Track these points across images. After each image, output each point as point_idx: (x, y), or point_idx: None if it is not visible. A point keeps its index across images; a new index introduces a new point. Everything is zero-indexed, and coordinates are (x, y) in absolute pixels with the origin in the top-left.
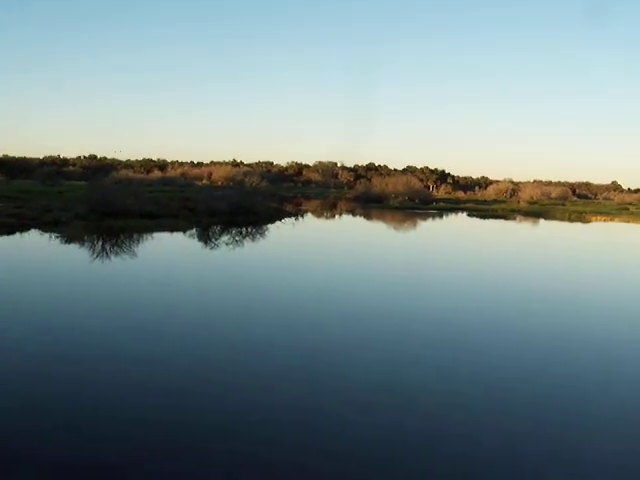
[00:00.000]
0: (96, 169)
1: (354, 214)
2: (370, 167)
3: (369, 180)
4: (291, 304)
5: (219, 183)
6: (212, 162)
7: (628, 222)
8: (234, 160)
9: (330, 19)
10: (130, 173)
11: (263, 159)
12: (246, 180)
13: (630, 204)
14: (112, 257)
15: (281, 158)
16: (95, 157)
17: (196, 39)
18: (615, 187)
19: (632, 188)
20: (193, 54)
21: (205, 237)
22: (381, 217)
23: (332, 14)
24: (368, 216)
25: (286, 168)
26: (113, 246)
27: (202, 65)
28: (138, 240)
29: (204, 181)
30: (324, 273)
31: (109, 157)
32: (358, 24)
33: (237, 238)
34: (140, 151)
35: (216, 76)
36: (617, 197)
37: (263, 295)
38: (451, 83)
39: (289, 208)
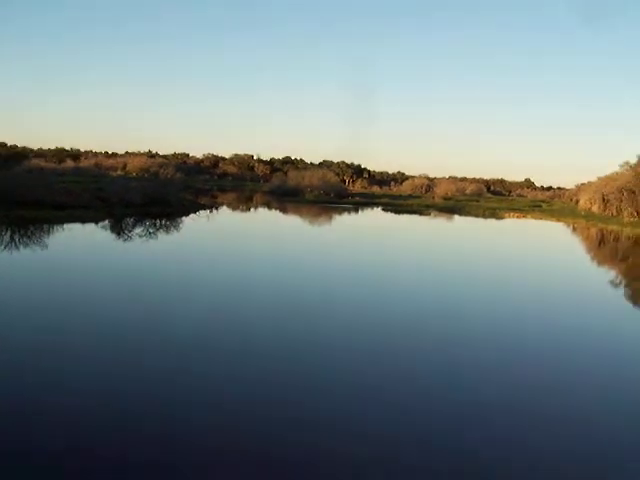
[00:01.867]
0: (6, 158)
1: (269, 207)
2: (286, 160)
3: (285, 174)
4: (198, 294)
5: (134, 174)
6: (127, 153)
7: (540, 219)
8: (149, 151)
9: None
10: (42, 162)
11: (179, 150)
12: (161, 171)
13: (542, 201)
14: (21, 248)
15: (197, 150)
16: (5, 145)
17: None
18: (528, 185)
19: (545, 186)
20: (109, 39)
21: (118, 229)
22: (296, 211)
23: None
24: (283, 209)
25: (202, 160)
26: (22, 237)
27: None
28: (49, 231)
29: (118, 172)
30: (233, 266)
31: (20, 145)
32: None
33: (150, 230)
34: (51, 140)
35: (138, 67)
36: (530, 194)
37: (176, 288)
38: None
39: (204, 200)
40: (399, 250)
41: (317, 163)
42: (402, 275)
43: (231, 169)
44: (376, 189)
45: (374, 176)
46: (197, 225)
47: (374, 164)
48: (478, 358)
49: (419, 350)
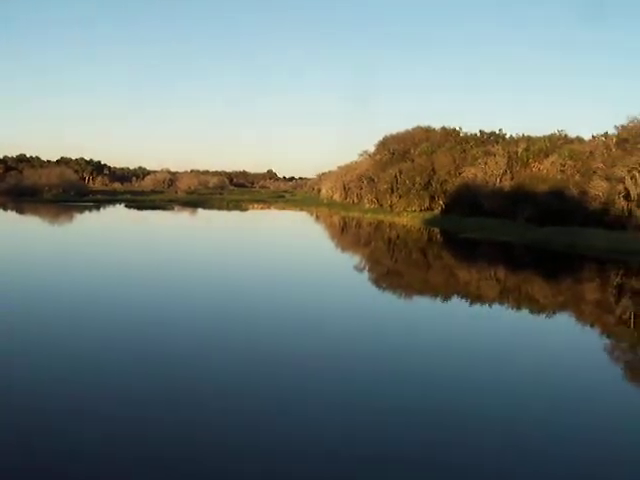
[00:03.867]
0: None
1: (5, 209)
2: (21, 158)
3: (20, 172)
4: None
5: None
6: None
7: (284, 209)
8: None
9: None
10: None
11: None
12: None
13: (285, 192)
14: None
15: None
16: None
17: None
18: (271, 176)
19: (287, 176)
20: None
21: None
22: (34, 211)
23: None
24: (20, 211)
25: None
26: None
27: None
28: None
29: None
30: None
31: None
32: None
33: None
34: None
35: None
36: (273, 185)
37: None
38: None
39: None
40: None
41: (55, 160)
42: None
43: None
44: (118, 185)
45: (115, 172)
46: None
47: (114, 160)
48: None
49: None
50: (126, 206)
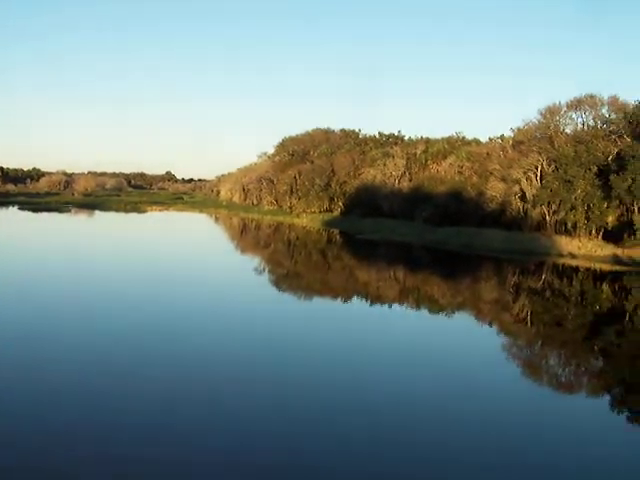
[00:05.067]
0: None
1: None
2: None
3: None
4: None
5: None
6: None
7: (183, 211)
8: None
9: None
10: None
11: None
12: None
13: (184, 194)
14: None
15: None
16: None
17: None
18: (169, 177)
19: (186, 178)
20: None
21: None
22: None
23: None
24: None
25: None
26: None
27: None
28: None
29: None
30: None
31: None
32: None
33: None
34: None
35: None
36: (172, 187)
37: None
38: None
39: None
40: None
41: None
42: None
43: None
44: (11, 187)
45: (8, 173)
46: None
47: (7, 161)
48: None
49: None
50: (20, 208)
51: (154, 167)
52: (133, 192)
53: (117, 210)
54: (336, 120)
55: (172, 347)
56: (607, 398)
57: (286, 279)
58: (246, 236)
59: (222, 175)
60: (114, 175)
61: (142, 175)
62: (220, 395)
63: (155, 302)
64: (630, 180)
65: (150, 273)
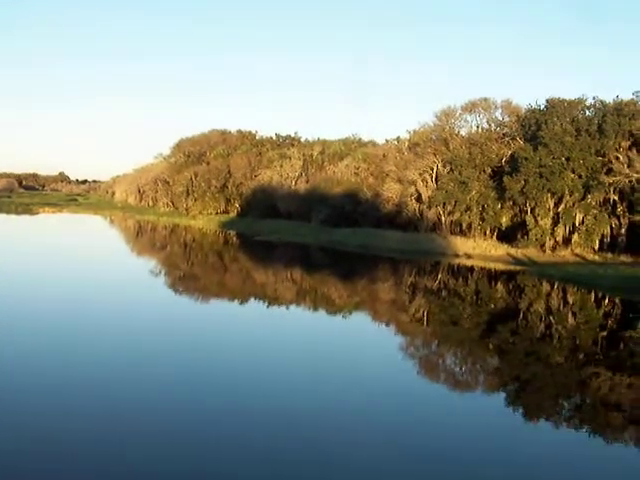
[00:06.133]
0: None
1: None
2: None
3: None
4: None
5: None
6: None
7: (76, 212)
8: None
9: None
10: None
11: None
12: None
13: (79, 195)
14: None
15: None
16: None
17: None
18: (63, 178)
19: (80, 179)
20: None
21: None
22: None
23: None
24: None
25: None
26: None
27: None
28: None
29: None
30: None
31: None
32: None
33: None
34: None
35: None
36: (65, 188)
37: None
38: None
39: None
40: None
41: None
42: None
43: None
44: None
45: None
46: None
47: None
48: None
49: None
50: None
51: (47, 168)
52: (25, 193)
53: (8, 212)
54: (233, 121)
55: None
56: (502, 395)
57: (182, 282)
58: (141, 238)
59: (117, 176)
60: (4, 175)
61: (34, 176)
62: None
63: (41, 309)
64: (523, 182)
65: (38, 276)
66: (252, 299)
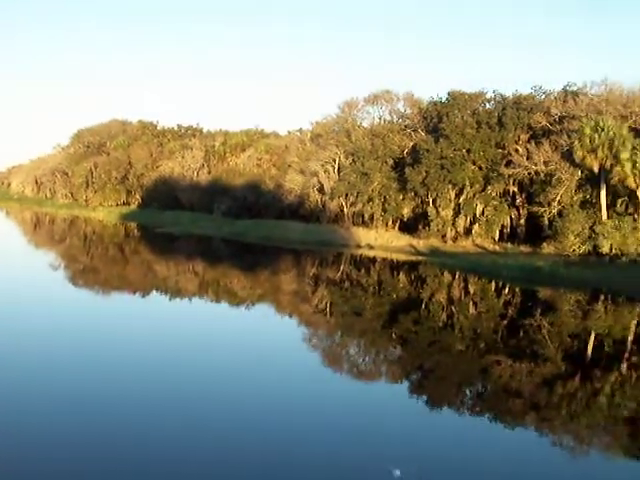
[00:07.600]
0: None
1: None
2: None
3: None
4: None
5: None
6: None
7: None
8: None
9: None
10: None
11: None
12: None
13: None
14: None
15: None
16: None
17: None
18: None
19: None
20: None
21: None
22: None
23: None
24: None
25: None
26: None
27: None
28: None
29: None
30: None
31: None
32: None
33: None
34: None
35: None
36: None
37: None
38: None
39: None
40: None
41: None
42: None
43: None
44: None
45: None
46: None
47: None
48: None
49: None
50: None
51: None
52: None
53: None
54: (134, 111)
55: None
56: (406, 384)
57: (82, 275)
58: (39, 231)
59: (12, 167)
60: None
61: None
62: None
63: None
64: (424, 173)
65: None
66: (153, 292)
